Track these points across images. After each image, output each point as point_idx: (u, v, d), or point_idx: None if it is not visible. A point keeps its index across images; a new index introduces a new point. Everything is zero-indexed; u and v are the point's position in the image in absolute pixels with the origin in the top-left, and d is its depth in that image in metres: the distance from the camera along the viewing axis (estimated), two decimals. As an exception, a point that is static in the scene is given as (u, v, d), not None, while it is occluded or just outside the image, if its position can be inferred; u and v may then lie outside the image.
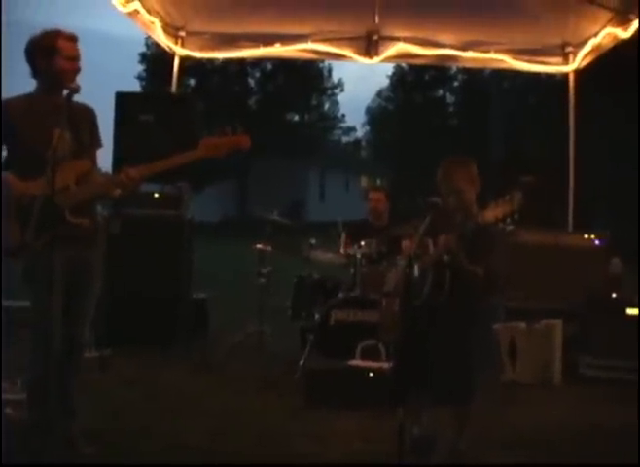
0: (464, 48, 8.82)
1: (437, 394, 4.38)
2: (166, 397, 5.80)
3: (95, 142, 4.45)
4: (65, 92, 3.97)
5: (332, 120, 49.45)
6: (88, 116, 4.40)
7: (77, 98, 4.15)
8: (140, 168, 4.16)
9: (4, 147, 4.22)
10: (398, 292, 4.36)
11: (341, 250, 7.07)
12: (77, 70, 4.18)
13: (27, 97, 4.23)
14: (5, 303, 6.52)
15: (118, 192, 4.27)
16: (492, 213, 4.02)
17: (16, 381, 5.00)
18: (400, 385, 3.93)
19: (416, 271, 4.32)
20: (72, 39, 4.19)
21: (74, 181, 4.12)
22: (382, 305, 4.72)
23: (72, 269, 4.14)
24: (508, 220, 3.97)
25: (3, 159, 4.26)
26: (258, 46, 8.85)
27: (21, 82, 4.36)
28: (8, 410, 4.76)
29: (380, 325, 4.89)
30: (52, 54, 4.10)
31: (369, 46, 8.91)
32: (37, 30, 4.22)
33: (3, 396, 4.80)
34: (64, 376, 4.22)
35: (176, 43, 8.82)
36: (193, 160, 4.23)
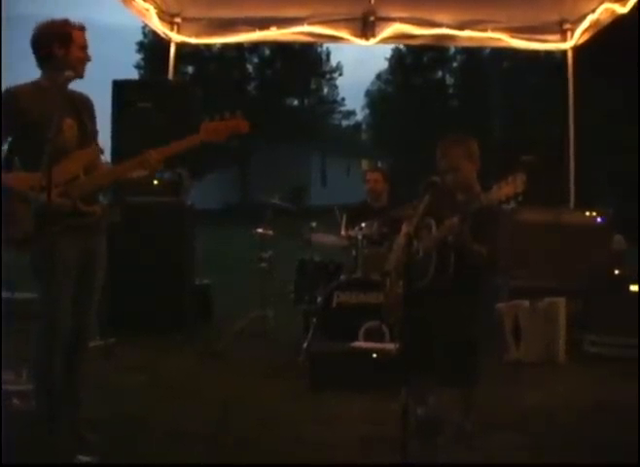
0: (461, 27, 8.76)
1: (442, 376, 4.38)
2: (171, 384, 5.81)
3: (95, 131, 4.46)
4: (66, 75, 4.00)
5: (331, 104, 49.44)
6: (88, 104, 4.41)
7: (76, 88, 4.19)
8: (158, 150, 4.20)
9: (8, 138, 4.21)
10: (399, 272, 4.33)
11: (342, 232, 7.06)
12: (88, 60, 4.24)
13: (34, 85, 4.21)
14: (5, 294, 6.54)
15: (138, 174, 4.30)
16: (496, 195, 3.97)
17: (21, 372, 5.01)
18: (404, 367, 3.92)
19: (420, 253, 4.30)
20: (83, 29, 4.24)
21: (83, 170, 4.12)
22: (385, 286, 4.70)
23: (80, 259, 4.16)
24: (512, 202, 3.93)
25: (7, 149, 4.25)
26: (254, 30, 8.80)
27: (23, 76, 4.35)
28: (14, 400, 4.78)
29: (384, 306, 4.87)
30: (68, 43, 4.13)
31: (365, 27, 8.83)
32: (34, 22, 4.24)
33: (8, 388, 4.83)
34: (70, 366, 4.24)
35: (172, 29, 8.80)
36: (195, 143, 4.27)
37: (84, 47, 4.21)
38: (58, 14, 4.23)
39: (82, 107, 4.29)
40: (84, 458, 3.99)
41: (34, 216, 3.88)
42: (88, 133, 4.29)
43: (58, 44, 4.13)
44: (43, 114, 3.97)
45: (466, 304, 4.36)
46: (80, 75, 4.19)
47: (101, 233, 4.39)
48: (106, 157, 4.54)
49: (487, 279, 4.61)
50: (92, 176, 4.16)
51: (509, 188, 3.88)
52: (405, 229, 4.52)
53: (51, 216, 3.79)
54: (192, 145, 4.28)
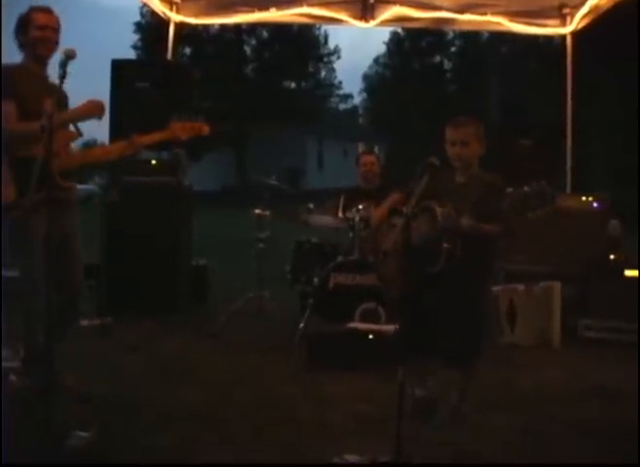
0: (460, 10, 8.71)
1: (444, 356, 4.41)
2: (168, 363, 5.83)
3: None
4: (61, 58, 4.04)
5: (329, 87, 49.18)
6: (61, 92, 4.47)
7: (75, 67, 4.25)
8: (140, 138, 4.64)
9: None
10: (398, 252, 4.33)
11: (339, 214, 7.06)
12: (48, 39, 4.43)
13: (18, 67, 4.45)
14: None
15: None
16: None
17: (18, 349, 5.03)
18: (402, 347, 3.93)
19: (422, 236, 4.29)
20: (45, 11, 4.46)
21: (63, 148, 4.35)
22: (379, 265, 4.73)
23: (55, 232, 4.18)
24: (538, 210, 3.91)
25: None
26: (253, 11, 8.77)
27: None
28: (11, 377, 4.80)
29: (381, 285, 4.90)
30: (26, 26, 4.40)
31: (364, 9, 8.79)
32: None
33: (4, 365, 4.85)
34: (60, 341, 4.30)
35: (171, 9, 8.75)
36: (162, 139, 4.74)
37: (42, 26, 4.40)
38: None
39: (55, 91, 4.37)
40: (82, 434, 4.01)
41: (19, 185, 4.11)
42: None
43: (20, 29, 4.44)
44: (27, 95, 4.27)
45: (469, 285, 4.37)
46: (41, 54, 4.41)
47: (74, 208, 4.66)
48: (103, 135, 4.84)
49: (491, 262, 4.64)
50: (72, 154, 4.46)
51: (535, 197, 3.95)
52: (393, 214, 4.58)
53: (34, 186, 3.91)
54: (160, 140, 4.74)
